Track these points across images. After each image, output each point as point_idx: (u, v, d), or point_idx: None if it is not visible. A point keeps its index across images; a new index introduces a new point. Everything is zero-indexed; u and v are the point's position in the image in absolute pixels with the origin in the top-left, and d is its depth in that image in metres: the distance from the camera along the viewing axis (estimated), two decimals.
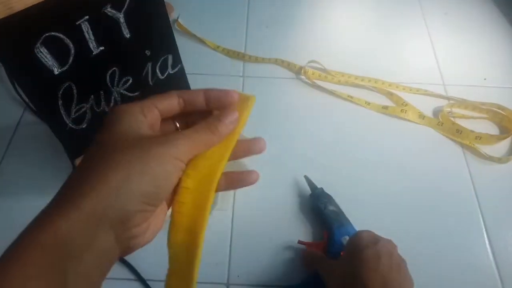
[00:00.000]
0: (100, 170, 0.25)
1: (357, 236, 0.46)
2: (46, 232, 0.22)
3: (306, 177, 0.59)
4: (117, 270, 0.52)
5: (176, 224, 0.29)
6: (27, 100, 0.67)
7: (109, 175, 0.24)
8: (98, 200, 0.24)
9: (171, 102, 0.30)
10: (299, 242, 0.53)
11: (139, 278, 0.52)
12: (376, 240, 0.44)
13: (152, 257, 0.52)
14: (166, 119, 0.30)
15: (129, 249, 0.27)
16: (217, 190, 0.30)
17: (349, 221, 0.54)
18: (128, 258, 0.53)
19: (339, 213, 0.54)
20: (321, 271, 0.48)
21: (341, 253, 0.49)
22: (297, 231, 0.56)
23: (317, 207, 0.55)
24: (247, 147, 0.32)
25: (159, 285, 0.51)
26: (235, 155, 0.31)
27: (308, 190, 0.58)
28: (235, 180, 0.32)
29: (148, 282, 0.51)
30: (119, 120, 0.27)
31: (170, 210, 0.30)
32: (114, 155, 0.25)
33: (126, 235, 0.25)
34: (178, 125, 0.32)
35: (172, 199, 0.29)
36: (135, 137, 0.27)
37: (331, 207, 0.55)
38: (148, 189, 0.25)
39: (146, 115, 0.28)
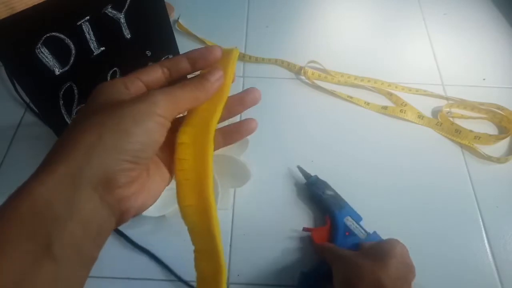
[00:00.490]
0: (73, 135, 0.24)
1: (391, 244, 0.46)
2: (24, 200, 0.22)
3: (299, 167, 0.59)
4: (156, 271, 0.52)
5: (182, 183, 0.28)
6: (27, 101, 0.67)
7: (81, 137, 0.24)
8: (72, 161, 0.23)
9: (155, 74, 0.29)
10: (304, 229, 0.54)
11: (179, 279, 0.52)
12: (406, 256, 0.45)
13: (167, 257, 0.53)
14: None
15: (123, 215, 0.26)
16: (215, 148, 0.29)
17: (346, 202, 0.56)
18: (166, 260, 0.53)
19: (337, 197, 0.56)
20: (331, 259, 0.48)
21: (361, 245, 0.50)
22: (296, 228, 0.56)
23: (315, 194, 0.56)
24: (240, 100, 0.32)
25: (171, 285, 0.51)
26: (229, 111, 0.31)
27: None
28: (233, 132, 0.32)
29: (162, 283, 0.51)
30: (100, 93, 0.27)
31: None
32: (87, 120, 0.25)
33: (113, 198, 0.24)
34: None
35: (171, 163, 0.29)
36: (113, 103, 0.26)
37: (328, 192, 0.56)
38: (126, 146, 0.24)
39: (129, 87, 0.27)
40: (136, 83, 0.28)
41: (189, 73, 0.30)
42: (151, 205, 0.28)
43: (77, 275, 0.23)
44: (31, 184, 0.22)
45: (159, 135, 0.26)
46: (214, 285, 0.29)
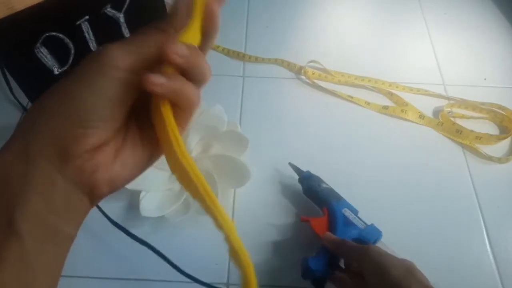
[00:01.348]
0: (26, 116, 0.24)
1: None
2: None
3: (290, 163, 0.59)
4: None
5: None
6: (24, 104, 0.67)
7: (28, 116, 0.23)
8: (20, 137, 0.22)
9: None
10: (302, 219, 0.54)
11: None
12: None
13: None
14: None
15: (94, 189, 0.23)
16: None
17: (343, 197, 0.55)
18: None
19: (333, 190, 0.56)
20: (345, 255, 0.49)
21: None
22: (296, 227, 0.56)
23: (311, 187, 0.56)
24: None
25: (171, 285, 0.51)
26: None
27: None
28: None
29: (162, 283, 0.51)
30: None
31: None
32: (42, 97, 0.23)
33: (73, 169, 0.22)
34: None
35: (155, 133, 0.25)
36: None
37: (324, 185, 0.56)
38: (68, 108, 0.22)
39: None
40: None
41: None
42: (129, 180, 0.25)
43: (47, 250, 0.22)
44: None
45: (114, 92, 0.22)
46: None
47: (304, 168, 0.58)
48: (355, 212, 0.53)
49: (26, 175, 0.21)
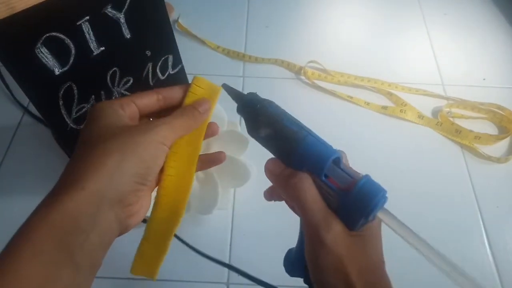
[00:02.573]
0: (96, 156, 0.27)
1: None
2: (54, 212, 0.24)
3: (224, 84, 0.37)
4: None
5: (160, 204, 0.33)
6: (25, 105, 0.67)
7: (105, 160, 0.27)
8: (98, 182, 0.26)
9: (149, 99, 0.33)
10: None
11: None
12: None
13: (167, 257, 0.52)
14: (143, 117, 0.33)
15: (126, 228, 0.29)
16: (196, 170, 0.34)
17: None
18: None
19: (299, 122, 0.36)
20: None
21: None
22: (297, 226, 0.56)
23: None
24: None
25: (172, 285, 0.51)
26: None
27: None
28: (205, 162, 0.36)
29: (163, 283, 0.51)
30: (102, 115, 0.30)
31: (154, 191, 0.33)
32: (106, 143, 0.28)
33: (124, 214, 0.28)
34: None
35: (157, 182, 0.33)
36: (118, 127, 0.29)
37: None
38: (139, 170, 0.28)
39: (125, 110, 0.31)
40: (130, 106, 0.32)
41: (180, 104, 0.34)
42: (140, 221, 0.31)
43: (89, 280, 0.26)
44: (61, 197, 0.25)
45: (161, 159, 0.31)
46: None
47: None
48: None
49: (94, 217, 0.26)
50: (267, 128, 0.34)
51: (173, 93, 0.34)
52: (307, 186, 0.31)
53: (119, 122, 0.30)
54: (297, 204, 0.31)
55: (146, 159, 0.29)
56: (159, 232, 0.33)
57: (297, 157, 0.32)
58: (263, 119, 0.34)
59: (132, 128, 0.30)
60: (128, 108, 0.31)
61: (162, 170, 0.32)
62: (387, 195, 0.32)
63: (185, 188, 0.33)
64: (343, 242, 0.29)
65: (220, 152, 0.37)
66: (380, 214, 0.31)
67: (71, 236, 0.24)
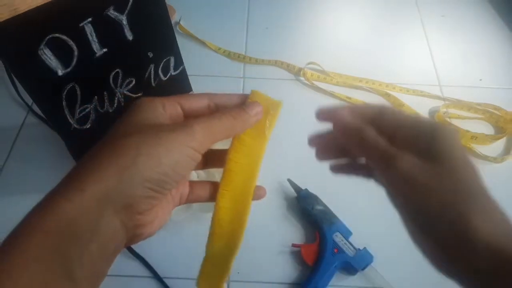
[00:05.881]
0: (106, 154, 0.24)
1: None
2: (49, 215, 0.22)
3: (289, 180, 0.59)
4: (132, 267, 0.53)
5: (217, 234, 0.30)
6: (29, 103, 0.68)
7: (113, 158, 0.23)
8: (101, 183, 0.23)
9: (199, 104, 0.29)
10: (293, 245, 0.54)
11: (155, 275, 0.52)
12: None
13: (168, 254, 0.53)
14: None
15: (135, 238, 0.26)
16: None
17: (337, 217, 0.55)
18: (144, 255, 0.53)
19: (327, 212, 0.55)
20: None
21: None
22: (292, 229, 0.57)
23: (305, 209, 0.56)
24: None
25: (174, 282, 0.52)
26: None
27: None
28: None
29: (165, 280, 0.52)
30: (137, 110, 0.27)
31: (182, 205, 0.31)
32: (122, 140, 0.24)
33: (132, 223, 0.24)
34: None
35: (180, 190, 0.30)
36: (149, 124, 0.26)
37: (318, 207, 0.56)
38: (153, 175, 0.24)
39: (166, 110, 0.27)
40: (174, 107, 0.28)
41: None
42: (154, 235, 0.28)
43: None
44: (58, 200, 0.22)
45: (187, 168, 0.26)
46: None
47: (303, 167, 0.59)
48: (347, 235, 0.54)
49: (95, 223, 0.22)
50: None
51: (229, 102, 0.29)
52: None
53: (154, 119, 0.26)
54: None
55: (165, 163, 0.24)
56: (219, 256, 0.31)
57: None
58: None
59: (161, 126, 0.25)
60: (171, 108, 0.27)
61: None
62: None
63: (240, 226, 0.30)
64: None
65: (260, 188, 0.32)
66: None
67: (67, 245, 0.21)
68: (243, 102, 0.29)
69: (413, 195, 0.26)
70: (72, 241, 0.22)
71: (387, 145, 0.27)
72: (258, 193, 0.32)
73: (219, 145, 0.29)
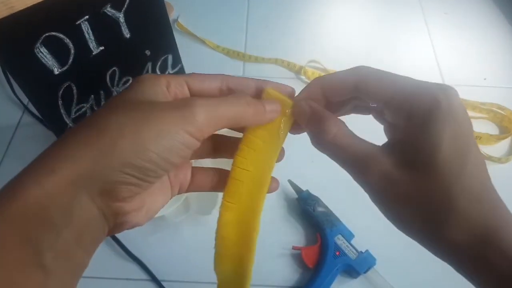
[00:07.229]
0: (85, 133, 0.21)
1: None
2: (16, 200, 0.19)
3: (290, 181, 0.58)
4: (129, 269, 0.52)
5: (222, 256, 0.27)
6: (25, 102, 0.67)
7: (92, 139, 0.21)
8: (74, 164, 0.20)
9: (210, 85, 0.25)
10: (294, 247, 0.53)
11: (153, 278, 0.51)
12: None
13: (166, 257, 0.53)
14: None
15: (119, 227, 0.23)
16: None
17: (339, 219, 0.54)
18: (141, 257, 0.52)
19: (329, 214, 0.55)
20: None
21: None
22: (293, 231, 0.56)
23: (306, 211, 0.55)
24: None
25: (172, 286, 0.51)
26: None
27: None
28: None
29: (163, 283, 0.51)
30: (136, 86, 0.24)
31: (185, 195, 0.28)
32: (106, 119, 0.21)
33: (111, 210, 0.22)
34: None
35: (180, 178, 0.27)
36: (143, 102, 0.22)
37: (319, 209, 0.55)
38: (135, 161, 0.21)
39: (171, 89, 0.24)
40: (181, 86, 0.24)
41: None
42: (143, 224, 0.25)
43: (67, 284, 0.21)
44: (27, 183, 0.20)
45: (179, 157, 0.22)
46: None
47: (303, 167, 0.58)
48: (349, 237, 0.53)
49: (68, 209, 0.20)
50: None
51: (245, 87, 0.26)
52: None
53: (151, 97, 0.23)
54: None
55: (151, 149, 0.21)
56: (233, 282, 0.27)
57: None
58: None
59: (157, 104, 0.22)
60: (176, 87, 0.24)
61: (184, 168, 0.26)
62: None
63: (249, 243, 0.26)
64: None
65: (273, 179, 0.29)
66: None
67: (38, 232, 0.19)
68: (259, 88, 0.26)
69: (389, 210, 0.24)
70: (42, 227, 0.19)
71: (360, 145, 0.26)
72: (270, 185, 0.28)
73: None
